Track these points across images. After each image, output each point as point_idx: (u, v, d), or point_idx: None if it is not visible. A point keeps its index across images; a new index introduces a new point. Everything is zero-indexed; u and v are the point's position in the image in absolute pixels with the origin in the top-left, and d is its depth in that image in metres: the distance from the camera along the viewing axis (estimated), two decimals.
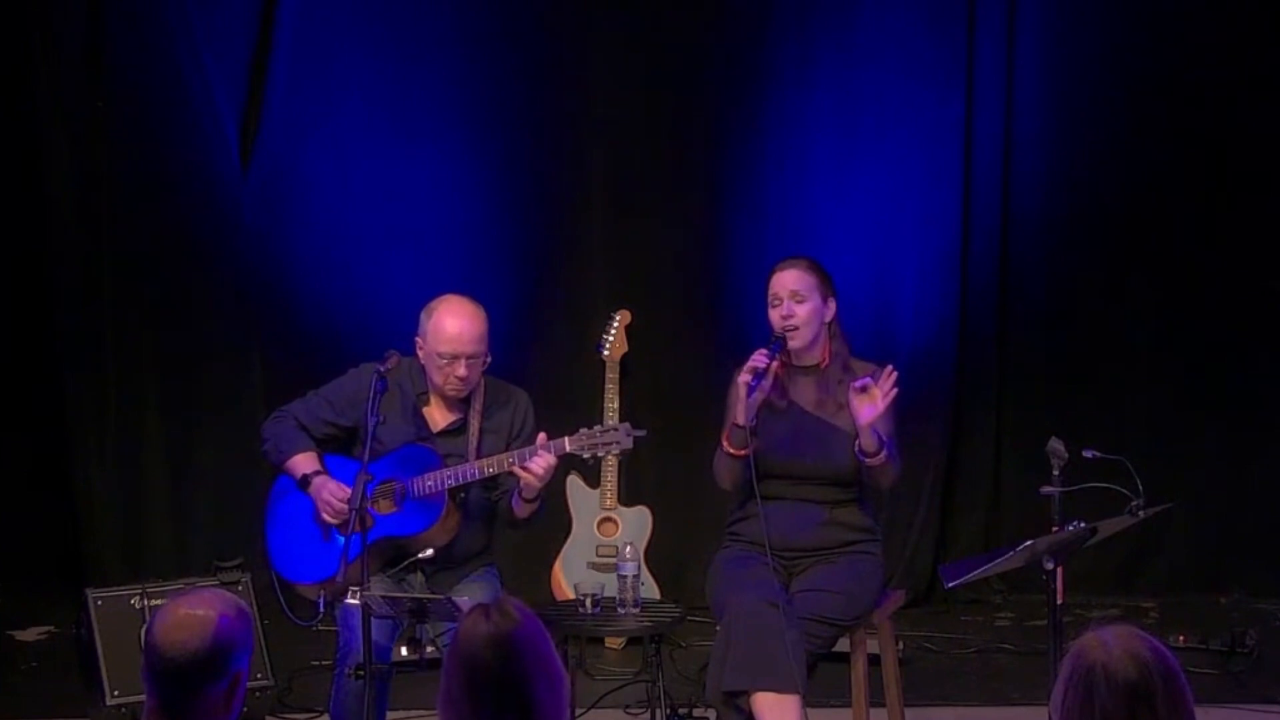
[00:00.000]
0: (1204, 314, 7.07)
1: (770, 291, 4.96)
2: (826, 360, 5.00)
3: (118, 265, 7.01)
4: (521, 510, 4.93)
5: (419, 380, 5.01)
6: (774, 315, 4.95)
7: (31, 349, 7.07)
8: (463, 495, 4.93)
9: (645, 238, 7.06)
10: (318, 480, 4.91)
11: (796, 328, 4.91)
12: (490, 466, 4.85)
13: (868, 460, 4.84)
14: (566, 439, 4.81)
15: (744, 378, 4.80)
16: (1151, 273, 7.10)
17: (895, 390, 4.78)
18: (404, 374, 4.98)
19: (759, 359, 4.82)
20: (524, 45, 6.97)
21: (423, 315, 4.97)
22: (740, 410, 4.83)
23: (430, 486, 4.85)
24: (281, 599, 4.96)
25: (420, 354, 4.98)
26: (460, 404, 5.01)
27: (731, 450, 4.89)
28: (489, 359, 4.98)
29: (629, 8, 6.98)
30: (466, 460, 4.91)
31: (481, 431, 4.98)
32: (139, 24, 6.90)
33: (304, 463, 4.97)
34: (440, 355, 4.89)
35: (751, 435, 4.84)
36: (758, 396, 4.83)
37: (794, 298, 4.93)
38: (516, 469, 4.81)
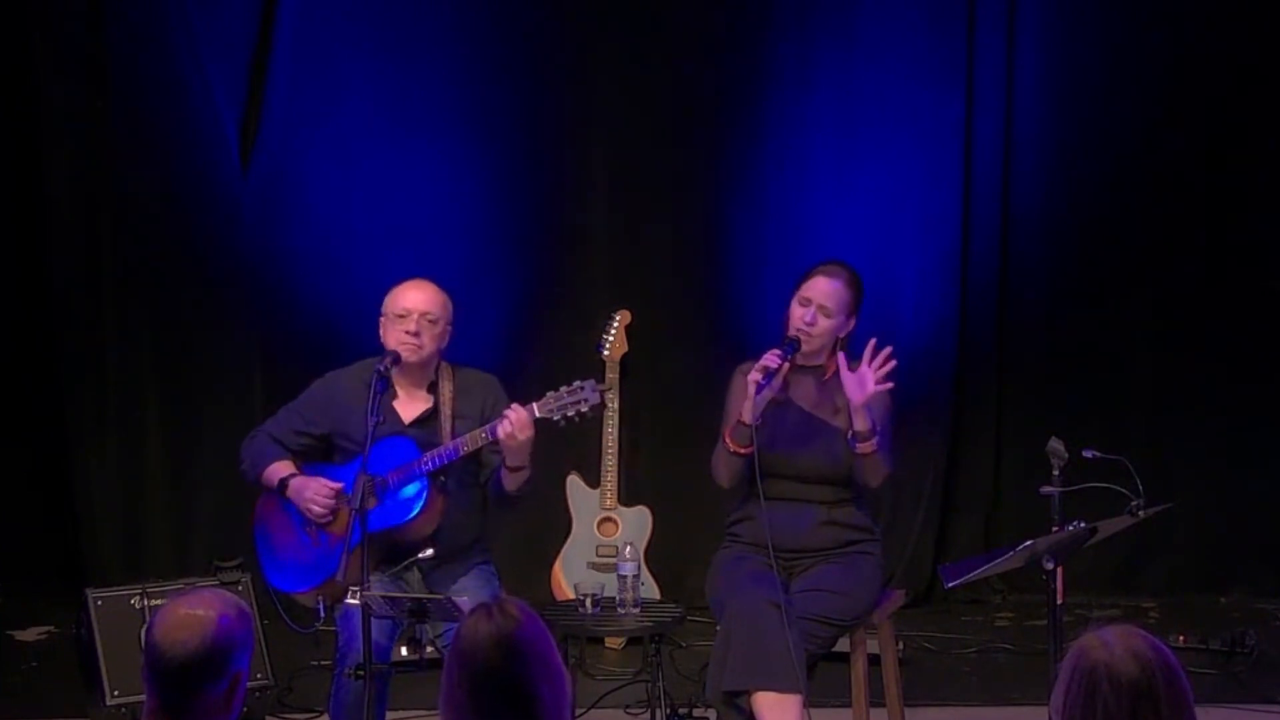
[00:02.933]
0: (1204, 314, 7.06)
1: (804, 290, 4.94)
2: (832, 369, 4.98)
3: (118, 265, 7.00)
4: (509, 481, 4.91)
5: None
6: (797, 312, 4.92)
7: (31, 349, 7.06)
8: (443, 479, 4.92)
9: (645, 237, 7.06)
10: (295, 482, 4.96)
11: (813, 337, 4.90)
12: (466, 445, 4.85)
13: (859, 446, 4.83)
14: (535, 404, 4.82)
15: (754, 376, 4.80)
16: (1151, 273, 7.10)
17: (889, 382, 4.78)
18: (370, 373, 5.01)
19: (771, 359, 4.81)
20: (524, 45, 6.97)
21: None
22: (747, 408, 4.83)
23: (410, 474, 4.86)
24: (280, 608, 4.99)
25: (382, 333, 5.01)
26: (427, 393, 5.03)
27: (734, 447, 4.89)
28: (448, 332, 5.00)
29: (629, 8, 6.98)
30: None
31: (454, 417, 4.99)
32: (139, 24, 6.90)
33: (280, 469, 5.02)
34: (394, 313, 4.95)
35: (755, 434, 4.84)
36: (766, 395, 4.83)
37: (822, 311, 4.91)
38: (497, 436, 4.80)
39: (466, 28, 6.96)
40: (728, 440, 4.90)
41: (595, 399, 4.85)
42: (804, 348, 4.91)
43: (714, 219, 7.03)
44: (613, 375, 6.53)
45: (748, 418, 4.83)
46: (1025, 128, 7.05)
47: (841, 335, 4.96)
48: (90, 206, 6.98)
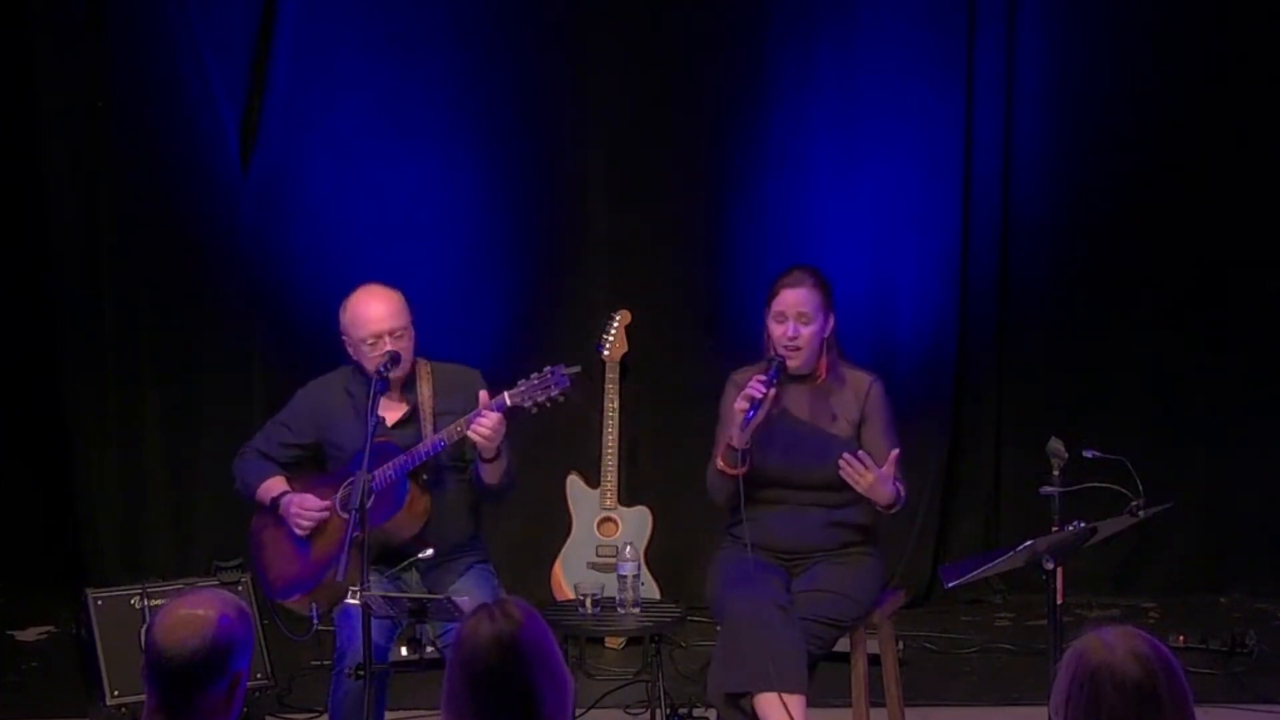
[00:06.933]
0: (1205, 313, 7.06)
1: (775, 307, 4.90)
2: (823, 375, 4.96)
3: (118, 266, 7.01)
4: (487, 474, 4.91)
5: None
6: (777, 330, 4.88)
7: (32, 349, 7.07)
8: (424, 476, 4.92)
9: (645, 238, 7.06)
10: (284, 499, 4.99)
11: (800, 349, 4.87)
12: (443, 439, 4.85)
13: (888, 511, 4.85)
14: (506, 393, 4.81)
15: (740, 405, 4.76)
16: (1152, 272, 7.10)
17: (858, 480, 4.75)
18: (349, 380, 5.02)
19: (756, 388, 4.76)
20: (524, 45, 6.97)
21: (340, 314, 5.01)
22: (736, 434, 4.79)
23: (390, 476, 4.85)
24: (277, 619, 5.01)
25: (351, 352, 5.00)
26: (407, 395, 5.02)
27: (725, 469, 4.86)
28: (413, 332, 4.97)
29: (629, 8, 6.98)
30: None
31: (435, 414, 4.98)
32: (139, 24, 6.91)
33: (272, 487, 5.05)
34: (365, 341, 4.92)
35: (744, 459, 4.81)
36: (755, 420, 4.78)
37: (801, 319, 4.87)
38: (468, 432, 4.79)
39: (466, 28, 6.96)
40: (720, 461, 4.87)
41: (565, 383, 4.82)
42: (792, 363, 4.87)
43: (714, 219, 7.03)
44: (613, 375, 6.53)
45: (737, 442, 4.79)
46: (1025, 127, 7.04)
47: (825, 337, 4.93)
48: (90, 207, 6.98)
